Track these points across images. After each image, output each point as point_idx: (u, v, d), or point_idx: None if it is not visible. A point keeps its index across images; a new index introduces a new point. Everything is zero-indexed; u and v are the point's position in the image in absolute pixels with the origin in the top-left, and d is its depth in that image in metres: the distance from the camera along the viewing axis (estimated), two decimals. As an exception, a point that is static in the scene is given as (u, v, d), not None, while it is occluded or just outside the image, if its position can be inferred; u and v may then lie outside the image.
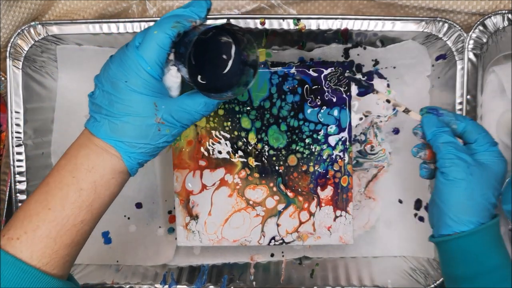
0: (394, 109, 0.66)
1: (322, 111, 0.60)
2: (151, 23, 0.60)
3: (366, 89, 0.57)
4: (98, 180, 0.44)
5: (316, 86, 0.60)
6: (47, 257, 0.42)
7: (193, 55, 0.46)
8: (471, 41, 0.59)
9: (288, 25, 0.60)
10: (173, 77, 0.46)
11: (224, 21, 0.56)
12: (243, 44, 0.47)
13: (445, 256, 0.50)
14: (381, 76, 0.65)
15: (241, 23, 0.60)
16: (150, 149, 0.46)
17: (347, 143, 0.60)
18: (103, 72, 0.45)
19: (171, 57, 0.46)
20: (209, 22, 0.60)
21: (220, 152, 0.61)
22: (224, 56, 0.48)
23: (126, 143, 0.44)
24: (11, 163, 0.62)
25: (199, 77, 0.47)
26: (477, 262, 0.47)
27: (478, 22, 0.59)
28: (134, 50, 0.44)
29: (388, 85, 0.66)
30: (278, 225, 0.61)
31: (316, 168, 0.60)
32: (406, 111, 0.54)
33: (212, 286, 0.64)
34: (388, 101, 0.55)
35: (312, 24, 0.60)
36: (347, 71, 0.59)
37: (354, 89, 0.65)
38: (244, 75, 0.48)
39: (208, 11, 0.47)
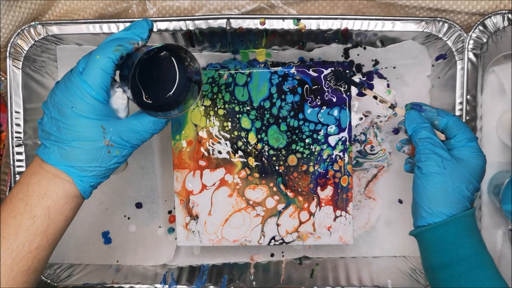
0: (393, 110, 0.66)
1: (322, 111, 0.60)
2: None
3: (354, 86, 0.58)
4: (51, 206, 0.45)
5: (316, 86, 0.60)
6: (5, 284, 0.43)
7: (138, 76, 0.47)
8: (471, 41, 0.59)
9: (288, 25, 0.60)
10: (120, 99, 0.47)
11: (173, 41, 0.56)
12: (187, 62, 0.49)
13: (422, 247, 0.52)
14: (381, 76, 0.65)
15: (241, 23, 0.60)
16: (102, 171, 0.47)
17: (347, 143, 0.60)
18: (49, 98, 0.46)
19: (117, 79, 0.47)
20: (211, 21, 0.60)
21: (220, 152, 0.61)
22: (170, 75, 0.49)
23: (77, 168, 0.46)
24: (11, 163, 0.62)
25: (145, 96, 0.48)
26: (450, 251, 0.48)
27: (478, 22, 0.59)
28: (78, 76, 0.45)
29: (388, 85, 0.66)
30: (278, 225, 0.61)
31: (316, 168, 0.60)
32: (392, 107, 0.55)
33: (212, 286, 0.64)
34: (375, 97, 0.56)
35: (312, 24, 0.60)
36: (337, 67, 0.59)
37: (354, 89, 0.65)
38: (190, 92, 0.49)
39: (150, 31, 0.48)
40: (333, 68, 0.59)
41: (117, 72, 0.47)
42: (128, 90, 0.45)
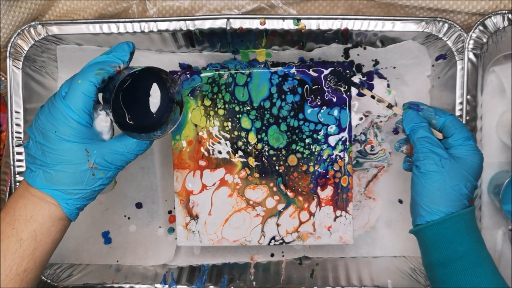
0: (391, 110, 0.66)
1: (322, 111, 0.60)
2: (151, 23, 0.60)
3: (353, 86, 0.58)
4: (38, 229, 0.46)
5: (316, 86, 0.60)
6: None
7: (122, 98, 0.48)
8: (471, 41, 0.59)
9: (288, 25, 0.60)
10: (103, 121, 0.48)
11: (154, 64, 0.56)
12: (168, 83, 0.50)
13: (421, 244, 0.52)
14: (381, 76, 0.65)
15: (241, 23, 0.60)
16: (87, 193, 0.48)
17: (347, 143, 0.60)
18: (34, 123, 0.47)
19: (101, 101, 0.47)
20: (211, 21, 0.60)
21: (220, 152, 0.61)
22: (152, 97, 0.50)
23: (62, 191, 0.46)
24: (11, 163, 0.62)
25: (128, 118, 0.49)
26: (449, 248, 0.48)
27: (478, 22, 0.59)
28: (61, 100, 0.45)
29: (388, 85, 0.66)
30: (278, 225, 0.61)
31: (316, 168, 0.60)
32: (390, 106, 0.56)
33: (212, 286, 0.64)
34: (373, 97, 0.56)
35: (312, 24, 0.60)
36: (337, 68, 0.59)
37: (354, 89, 0.65)
38: (172, 112, 0.50)
39: (131, 54, 0.49)
40: (332, 68, 0.59)
41: (101, 95, 0.48)
42: (110, 113, 0.46)
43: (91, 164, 0.46)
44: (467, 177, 0.50)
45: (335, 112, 0.60)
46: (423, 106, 0.53)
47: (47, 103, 0.47)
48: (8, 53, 0.61)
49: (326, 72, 0.59)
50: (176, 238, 0.64)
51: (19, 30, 0.60)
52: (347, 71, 0.59)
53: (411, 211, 0.53)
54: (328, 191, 0.60)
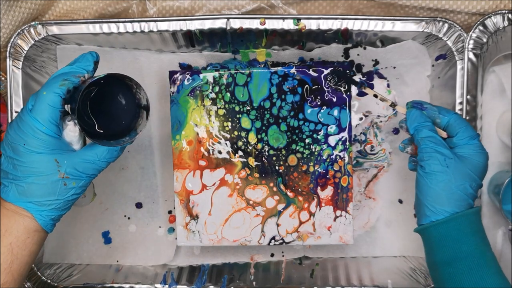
0: (394, 109, 0.66)
1: (322, 111, 0.60)
2: (151, 23, 0.60)
3: (354, 85, 0.58)
4: (14, 242, 0.47)
5: (316, 86, 0.60)
6: None
7: (89, 107, 0.49)
8: (471, 41, 0.59)
9: (288, 25, 0.60)
10: (71, 131, 0.48)
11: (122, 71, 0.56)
12: (134, 89, 0.50)
13: (426, 244, 0.52)
14: (381, 76, 0.65)
15: (241, 23, 0.60)
16: (60, 204, 0.48)
17: (347, 143, 0.60)
18: (4, 139, 0.48)
19: (69, 111, 0.48)
20: (211, 21, 0.60)
21: (220, 152, 0.60)
22: (119, 103, 0.51)
23: (35, 203, 0.47)
24: (11, 163, 0.62)
25: (98, 126, 0.49)
26: (453, 248, 0.48)
27: (478, 22, 0.59)
28: (28, 113, 0.46)
29: (388, 85, 0.66)
30: (278, 225, 0.61)
31: (316, 168, 0.60)
32: (393, 105, 0.56)
33: (212, 286, 0.64)
34: (375, 96, 0.56)
35: (312, 24, 0.60)
36: (337, 67, 0.59)
37: (354, 89, 0.65)
38: (140, 118, 0.51)
39: (95, 64, 0.49)
40: (333, 68, 0.59)
41: (69, 106, 0.48)
42: (78, 124, 0.47)
43: (62, 174, 0.47)
44: (472, 176, 0.49)
45: (335, 112, 0.60)
46: (426, 105, 0.53)
47: (15, 118, 0.48)
48: (8, 53, 0.61)
49: (326, 72, 0.59)
50: (176, 238, 0.64)
51: (19, 30, 0.60)
52: (347, 71, 0.59)
53: (416, 210, 0.53)
54: (328, 191, 0.60)
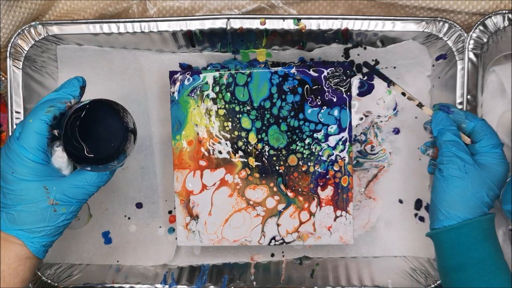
0: (394, 109, 0.66)
1: (322, 111, 0.60)
2: (151, 23, 0.60)
3: (383, 80, 0.57)
4: (5, 270, 0.47)
5: (317, 86, 0.60)
6: None
7: (78, 133, 0.49)
8: (472, 41, 0.59)
9: (288, 25, 0.60)
10: (60, 157, 0.48)
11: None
12: (121, 113, 0.50)
13: (437, 249, 0.51)
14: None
15: (242, 23, 0.60)
16: (51, 230, 0.48)
17: (347, 143, 0.60)
18: None
19: (57, 137, 0.48)
20: (211, 21, 0.60)
21: (220, 152, 0.60)
22: (107, 128, 0.51)
23: (25, 230, 0.47)
24: (11, 163, 0.62)
25: (86, 151, 0.50)
26: (464, 254, 0.48)
27: (479, 22, 0.59)
28: (15, 141, 0.46)
29: (388, 85, 0.66)
30: (278, 225, 0.61)
31: (316, 168, 0.60)
32: (420, 105, 0.55)
33: (212, 286, 0.64)
34: (403, 93, 0.56)
35: (312, 24, 0.60)
36: (337, 67, 0.59)
37: (354, 89, 0.65)
38: (128, 141, 0.51)
39: (82, 89, 0.49)
40: (365, 61, 0.59)
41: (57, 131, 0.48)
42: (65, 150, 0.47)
43: (52, 201, 0.47)
44: (490, 185, 0.49)
45: (335, 112, 0.60)
46: (453, 109, 0.53)
47: (3, 146, 0.48)
48: (8, 53, 0.61)
49: (326, 72, 0.59)
50: (176, 238, 0.64)
51: (19, 30, 0.60)
52: (347, 71, 0.59)
53: (429, 214, 0.52)
54: (328, 191, 0.60)
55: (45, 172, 0.47)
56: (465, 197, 0.48)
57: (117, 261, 0.68)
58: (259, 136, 0.60)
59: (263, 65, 0.64)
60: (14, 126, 0.61)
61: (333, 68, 0.59)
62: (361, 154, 0.67)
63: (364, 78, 0.65)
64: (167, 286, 0.64)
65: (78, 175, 0.49)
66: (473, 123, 0.51)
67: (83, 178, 0.49)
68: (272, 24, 0.60)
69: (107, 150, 0.51)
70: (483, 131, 0.51)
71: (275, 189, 0.61)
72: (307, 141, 0.60)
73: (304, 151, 0.60)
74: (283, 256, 0.68)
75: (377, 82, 0.65)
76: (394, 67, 0.65)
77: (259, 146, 0.60)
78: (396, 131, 0.66)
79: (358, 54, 0.64)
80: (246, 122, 0.60)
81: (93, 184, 0.49)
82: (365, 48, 0.63)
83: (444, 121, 0.51)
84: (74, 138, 0.50)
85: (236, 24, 0.60)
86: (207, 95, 0.60)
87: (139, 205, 0.68)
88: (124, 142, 0.52)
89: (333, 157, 0.60)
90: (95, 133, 0.51)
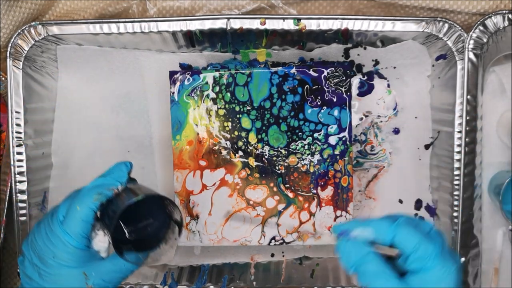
0: (394, 109, 0.66)
1: (322, 111, 0.60)
2: (151, 23, 0.60)
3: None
4: None
5: (317, 86, 0.60)
6: None
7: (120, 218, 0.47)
8: (472, 41, 0.59)
9: (288, 25, 0.60)
10: (101, 242, 0.47)
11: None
12: (166, 201, 0.49)
13: None
14: (381, 76, 0.65)
15: (241, 23, 0.60)
16: None
17: (348, 143, 0.60)
18: (30, 243, 0.47)
19: (98, 221, 0.47)
20: (211, 21, 0.60)
21: (220, 152, 0.60)
22: (149, 213, 0.50)
23: None
24: (12, 163, 0.62)
25: (127, 235, 0.48)
26: None
27: (479, 22, 0.59)
28: (59, 226, 0.45)
29: (388, 85, 0.66)
30: (278, 225, 0.61)
31: (316, 168, 0.60)
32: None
33: (212, 286, 0.64)
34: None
35: (312, 24, 0.60)
36: (337, 67, 0.59)
37: (354, 89, 0.65)
38: (170, 229, 0.50)
39: (129, 174, 0.49)
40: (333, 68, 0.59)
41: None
42: (108, 234, 0.46)
43: (90, 287, 0.46)
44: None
45: (335, 112, 0.60)
46: (356, 230, 0.41)
47: (43, 224, 0.47)
48: (8, 53, 0.61)
49: (326, 72, 0.59)
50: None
51: (19, 30, 0.60)
52: (347, 71, 0.59)
53: None
54: (328, 191, 0.60)
55: (85, 257, 0.46)
56: None
57: (117, 261, 0.68)
58: (259, 136, 0.60)
59: (263, 65, 0.64)
60: (14, 126, 0.61)
61: (333, 68, 0.59)
62: (361, 154, 0.67)
63: (364, 78, 0.65)
64: (167, 286, 0.64)
65: (117, 259, 0.48)
66: (390, 233, 0.40)
67: (121, 262, 0.47)
68: (272, 24, 0.60)
69: (146, 231, 0.50)
70: (406, 238, 0.40)
71: (275, 189, 0.61)
72: (307, 141, 0.60)
73: (304, 151, 0.60)
74: (283, 256, 0.68)
75: (377, 82, 0.65)
76: (394, 67, 0.65)
77: (259, 146, 0.60)
78: (396, 131, 0.66)
79: (358, 54, 0.64)
80: (246, 122, 0.60)
81: (130, 268, 0.48)
82: (365, 48, 0.63)
83: (354, 250, 0.41)
84: (117, 225, 0.48)
85: (236, 24, 0.60)
86: (207, 95, 0.60)
87: (139, 205, 0.68)
88: (165, 228, 0.50)
89: (333, 157, 0.60)
90: (136, 219, 0.50)
